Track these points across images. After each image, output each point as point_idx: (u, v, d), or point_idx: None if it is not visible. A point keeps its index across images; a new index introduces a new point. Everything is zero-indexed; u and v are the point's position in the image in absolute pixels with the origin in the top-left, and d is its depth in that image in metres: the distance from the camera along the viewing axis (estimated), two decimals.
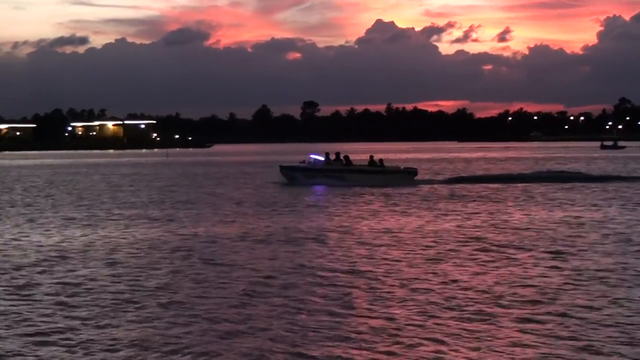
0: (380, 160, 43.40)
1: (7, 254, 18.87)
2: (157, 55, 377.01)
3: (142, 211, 29.62)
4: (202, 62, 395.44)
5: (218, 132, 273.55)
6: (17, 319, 12.12)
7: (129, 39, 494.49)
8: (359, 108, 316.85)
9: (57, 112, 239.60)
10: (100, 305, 12.93)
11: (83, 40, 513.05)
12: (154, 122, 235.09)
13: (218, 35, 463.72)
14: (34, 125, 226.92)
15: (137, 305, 12.83)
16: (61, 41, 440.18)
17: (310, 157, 44.09)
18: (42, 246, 20.13)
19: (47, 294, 13.93)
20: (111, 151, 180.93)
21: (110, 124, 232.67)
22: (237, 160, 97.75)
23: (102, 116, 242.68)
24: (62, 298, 13.60)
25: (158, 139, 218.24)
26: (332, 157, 43.21)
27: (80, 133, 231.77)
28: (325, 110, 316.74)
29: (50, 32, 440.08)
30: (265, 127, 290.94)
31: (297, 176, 43.42)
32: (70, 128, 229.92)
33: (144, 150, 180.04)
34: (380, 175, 42.24)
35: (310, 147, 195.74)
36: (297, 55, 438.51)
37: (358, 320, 11.72)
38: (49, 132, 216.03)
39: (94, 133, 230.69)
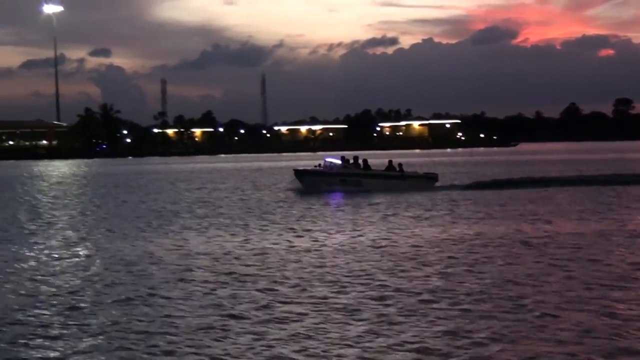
0: (400, 165, 41.46)
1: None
2: (464, 55, 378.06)
3: (485, 209, 29.69)
4: (509, 60, 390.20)
5: (524, 130, 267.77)
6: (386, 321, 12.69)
7: (436, 39, 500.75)
8: None
9: (366, 113, 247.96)
10: (489, 301, 13.23)
11: (393, 41, 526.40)
12: (459, 121, 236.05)
13: (526, 33, 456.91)
14: (345, 126, 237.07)
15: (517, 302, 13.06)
16: (372, 42, 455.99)
17: (326, 161, 41.70)
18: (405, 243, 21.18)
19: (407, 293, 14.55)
20: (417, 151, 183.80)
21: (416, 124, 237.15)
22: (541, 159, 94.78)
23: (408, 116, 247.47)
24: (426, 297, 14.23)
25: (463, 138, 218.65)
26: (350, 160, 41.32)
27: (387, 133, 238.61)
28: None
29: (361, 33, 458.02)
30: (573, 125, 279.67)
31: (312, 181, 40.89)
32: (378, 128, 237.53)
33: (448, 150, 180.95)
34: (399, 180, 40.23)
35: (623, 145, 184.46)
36: (610, 51, 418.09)
37: None
38: (358, 132, 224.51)
39: (400, 133, 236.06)
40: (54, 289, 14.59)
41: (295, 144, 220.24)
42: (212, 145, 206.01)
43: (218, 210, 31.52)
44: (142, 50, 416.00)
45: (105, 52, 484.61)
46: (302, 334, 11.05)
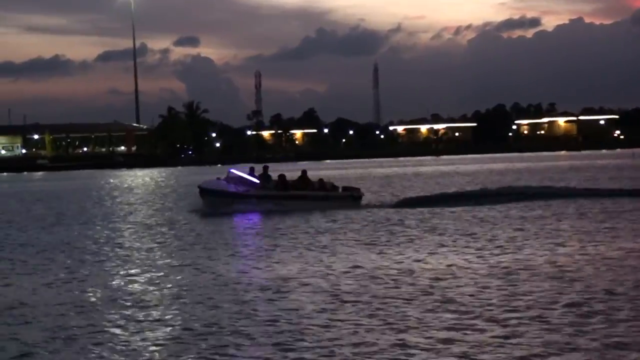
0: (321, 180, 41.21)
1: None
2: (622, 38, 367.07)
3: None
4: None
5: None
6: None
7: (587, 19, 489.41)
8: None
9: (500, 108, 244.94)
10: None
11: (534, 23, 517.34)
12: (616, 117, 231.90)
13: None
14: (474, 125, 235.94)
15: None
16: (508, 24, 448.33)
17: (231, 173, 39.89)
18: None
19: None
20: (563, 153, 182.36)
21: (561, 121, 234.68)
22: None
23: (551, 111, 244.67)
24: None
25: (622, 137, 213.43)
26: (257, 173, 40.11)
27: (525, 132, 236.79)
28: None
29: (494, 13, 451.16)
30: None
31: (219, 201, 38.96)
32: (514, 127, 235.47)
33: (603, 151, 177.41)
34: (324, 201, 39.68)
35: None
36: None
37: None
38: (490, 131, 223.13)
39: (542, 132, 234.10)
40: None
41: (414, 146, 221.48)
42: (316, 149, 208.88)
43: (339, 225, 31.56)
44: (234, 38, 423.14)
45: (192, 41, 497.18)
46: None
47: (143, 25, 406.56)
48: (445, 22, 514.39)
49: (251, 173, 40.04)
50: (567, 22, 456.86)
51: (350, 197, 40.83)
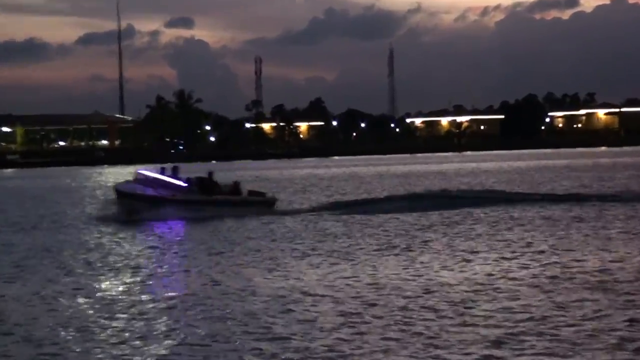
0: (236, 183, 42.76)
1: None
2: None
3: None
4: None
5: None
6: None
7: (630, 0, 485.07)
8: None
9: (531, 99, 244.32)
10: None
11: (571, 2, 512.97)
12: None
13: None
14: (502, 117, 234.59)
15: None
16: (542, 4, 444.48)
17: (140, 175, 40.85)
18: None
19: None
20: (603, 148, 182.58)
21: (601, 113, 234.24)
22: None
23: (590, 102, 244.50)
24: None
25: None
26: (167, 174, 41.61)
27: (560, 125, 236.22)
28: None
29: None
30: None
31: (139, 205, 39.38)
32: (547, 119, 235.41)
33: None
34: (240, 206, 41.23)
35: None
36: None
37: None
38: (519, 124, 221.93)
39: (579, 125, 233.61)
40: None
41: (434, 140, 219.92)
42: (323, 144, 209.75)
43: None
44: (233, 19, 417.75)
45: (185, 22, 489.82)
46: None
47: (130, 4, 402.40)
48: (471, 2, 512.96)
49: (162, 173, 40.86)
50: (608, 2, 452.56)
51: (265, 204, 42.46)
